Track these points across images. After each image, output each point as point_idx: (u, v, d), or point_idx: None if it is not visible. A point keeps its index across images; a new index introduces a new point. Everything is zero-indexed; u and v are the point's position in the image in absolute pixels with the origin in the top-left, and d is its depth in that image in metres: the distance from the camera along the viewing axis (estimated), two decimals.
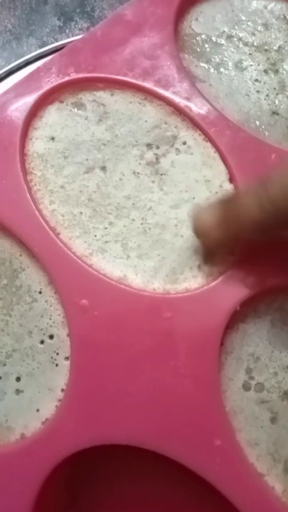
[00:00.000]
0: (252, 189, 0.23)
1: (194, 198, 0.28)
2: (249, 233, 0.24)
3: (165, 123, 0.29)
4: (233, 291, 0.26)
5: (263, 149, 0.28)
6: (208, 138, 0.28)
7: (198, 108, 0.29)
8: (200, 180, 0.28)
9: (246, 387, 0.26)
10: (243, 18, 0.33)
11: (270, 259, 0.26)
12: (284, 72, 0.31)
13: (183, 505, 0.29)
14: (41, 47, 0.41)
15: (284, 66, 0.31)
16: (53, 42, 0.41)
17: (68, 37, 0.42)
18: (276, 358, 0.26)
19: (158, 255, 0.27)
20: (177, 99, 0.29)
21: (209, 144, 0.29)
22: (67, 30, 0.43)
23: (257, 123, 0.30)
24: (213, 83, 0.31)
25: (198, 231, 0.26)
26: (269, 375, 0.26)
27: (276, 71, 0.31)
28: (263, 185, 0.23)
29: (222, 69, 0.31)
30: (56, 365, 0.26)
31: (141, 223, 0.28)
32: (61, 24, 0.43)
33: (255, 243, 0.26)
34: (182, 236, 0.27)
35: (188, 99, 0.29)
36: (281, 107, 0.30)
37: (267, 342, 0.27)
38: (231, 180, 0.28)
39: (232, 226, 0.24)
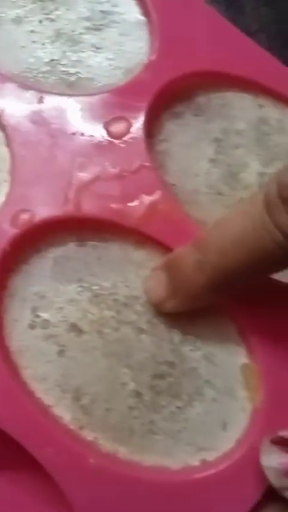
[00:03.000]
0: (190, 254, 0.24)
1: None
2: (203, 297, 0.24)
3: None
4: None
5: (27, 94, 0.28)
6: None
7: None
8: None
9: (31, 326, 0.26)
10: None
11: (35, 196, 0.26)
12: (60, 20, 0.32)
13: None
14: None
15: (59, 14, 0.32)
16: None
17: None
18: (61, 293, 0.27)
19: None
20: None
21: None
22: None
23: (35, 72, 0.30)
24: None
25: (153, 304, 0.26)
26: (54, 310, 0.26)
27: (52, 20, 0.32)
28: (199, 249, 0.23)
29: None
30: None
31: None
32: None
33: None
34: None
35: None
36: (56, 53, 0.31)
37: (52, 279, 0.27)
38: (1, 128, 0.28)
39: (184, 295, 0.25)
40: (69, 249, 0.27)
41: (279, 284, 0.26)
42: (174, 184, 0.29)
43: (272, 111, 0.31)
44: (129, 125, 0.27)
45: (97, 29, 0.31)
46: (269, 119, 0.31)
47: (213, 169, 0.29)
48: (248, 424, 0.25)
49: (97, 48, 0.31)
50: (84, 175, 0.27)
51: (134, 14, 0.32)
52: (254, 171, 0.30)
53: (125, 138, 0.27)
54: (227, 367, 0.26)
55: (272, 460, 0.22)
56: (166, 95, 0.29)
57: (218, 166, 0.29)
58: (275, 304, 0.26)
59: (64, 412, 0.25)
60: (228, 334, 0.26)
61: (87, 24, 0.31)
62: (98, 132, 0.27)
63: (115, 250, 0.27)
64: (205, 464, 0.24)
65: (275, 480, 0.22)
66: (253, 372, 0.25)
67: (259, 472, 0.24)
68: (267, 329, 0.25)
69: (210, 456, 0.25)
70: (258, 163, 0.30)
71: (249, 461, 0.24)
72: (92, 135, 0.27)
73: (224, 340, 0.26)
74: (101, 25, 0.31)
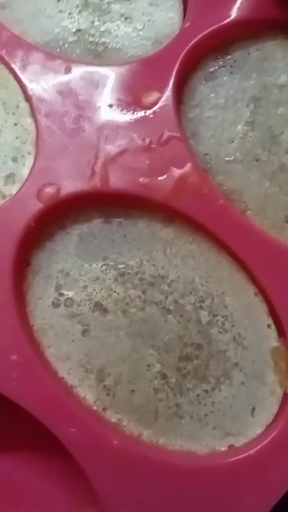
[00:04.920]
0: None
1: None
2: None
3: None
4: (24, 207, 0.25)
5: (53, 64, 0.27)
6: (0, 59, 0.28)
7: None
8: None
9: (55, 304, 0.25)
10: None
11: (60, 170, 0.25)
12: None
13: None
14: None
15: None
16: None
17: None
18: (86, 271, 0.26)
19: None
20: None
21: (2, 65, 0.28)
22: None
23: (61, 42, 0.29)
24: (16, 7, 0.30)
25: None
26: (78, 288, 0.26)
27: None
28: None
29: None
30: None
31: None
32: None
33: None
34: None
35: None
36: (84, 23, 0.29)
37: (76, 256, 0.26)
38: (26, 98, 0.27)
39: None
40: (94, 226, 0.26)
41: None
42: (207, 154, 0.27)
43: None
44: (159, 95, 0.26)
45: None
46: None
47: (250, 133, 0.27)
48: (277, 409, 0.24)
49: (126, 18, 0.29)
50: (111, 148, 0.26)
51: None
52: None
53: (153, 109, 0.26)
54: (256, 350, 0.25)
55: None
56: (198, 53, 0.27)
57: (255, 129, 0.27)
58: None
59: (87, 393, 0.24)
60: (258, 316, 0.25)
61: None
62: (126, 103, 0.26)
63: (142, 228, 0.26)
64: (233, 449, 0.24)
65: None
66: (283, 355, 0.24)
67: None
68: None
69: (238, 442, 0.24)
70: None
71: (279, 448, 0.23)
72: (119, 106, 0.26)
73: (254, 322, 0.25)
74: None
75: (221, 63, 0.28)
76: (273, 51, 0.28)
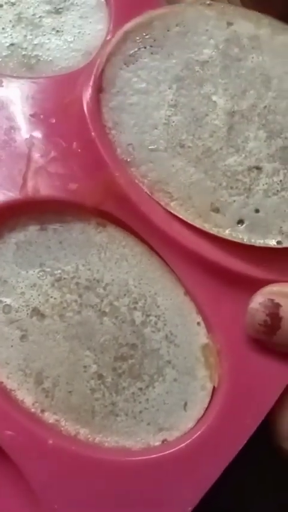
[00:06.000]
0: None
1: None
2: None
3: None
4: None
5: None
6: None
7: None
8: None
9: None
10: None
11: None
12: (20, 4, 0.31)
13: None
14: None
15: None
16: None
17: None
18: (23, 278, 0.27)
19: None
20: None
21: None
22: None
23: None
24: None
25: None
26: (16, 295, 0.26)
27: (12, 4, 0.31)
28: None
29: None
30: None
31: None
32: None
33: None
34: None
35: None
36: (17, 38, 0.30)
37: (14, 264, 0.27)
38: None
39: None
40: (31, 234, 0.27)
41: (236, 267, 0.25)
42: (130, 144, 0.26)
43: (243, 27, 0.26)
44: (80, 100, 0.27)
45: (57, 12, 0.31)
46: (240, 38, 0.26)
47: (174, 118, 0.26)
48: (207, 403, 0.25)
49: (57, 32, 0.30)
50: (41, 156, 0.26)
51: None
52: (222, 112, 0.26)
53: (75, 114, 0.26)
54: (187, 347, 0.26)
55: None
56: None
57: (179, 113, 0.26)
58: (233, 285, 0.25)
59: (26, 396, 0.25)
60: (188, 315, 0.26)
61: (48, 7, 0.31)
62: (53, 111, 0.27)
63: (76, 234, 0.27)
64: (166, 444, 0.25)
65: None
66: (212, 351, 0.25)
67: (219, 451, 0.24)
68: (226, 309, 0.25)
69: (171, 436, 0.25)
70: (227, 99, 0.26)
71: (208, 440, 0.24)
72: (48, 116, 0.27)
73: (184, 320, 0.26)
74: (61, 8, 0.31)
75: (140, 44, 0.27)
76: (194, 25, 0.27)
